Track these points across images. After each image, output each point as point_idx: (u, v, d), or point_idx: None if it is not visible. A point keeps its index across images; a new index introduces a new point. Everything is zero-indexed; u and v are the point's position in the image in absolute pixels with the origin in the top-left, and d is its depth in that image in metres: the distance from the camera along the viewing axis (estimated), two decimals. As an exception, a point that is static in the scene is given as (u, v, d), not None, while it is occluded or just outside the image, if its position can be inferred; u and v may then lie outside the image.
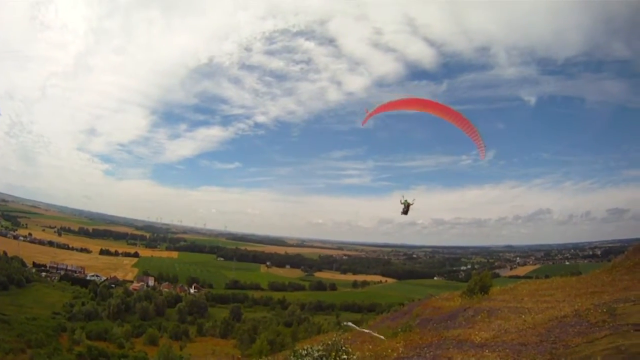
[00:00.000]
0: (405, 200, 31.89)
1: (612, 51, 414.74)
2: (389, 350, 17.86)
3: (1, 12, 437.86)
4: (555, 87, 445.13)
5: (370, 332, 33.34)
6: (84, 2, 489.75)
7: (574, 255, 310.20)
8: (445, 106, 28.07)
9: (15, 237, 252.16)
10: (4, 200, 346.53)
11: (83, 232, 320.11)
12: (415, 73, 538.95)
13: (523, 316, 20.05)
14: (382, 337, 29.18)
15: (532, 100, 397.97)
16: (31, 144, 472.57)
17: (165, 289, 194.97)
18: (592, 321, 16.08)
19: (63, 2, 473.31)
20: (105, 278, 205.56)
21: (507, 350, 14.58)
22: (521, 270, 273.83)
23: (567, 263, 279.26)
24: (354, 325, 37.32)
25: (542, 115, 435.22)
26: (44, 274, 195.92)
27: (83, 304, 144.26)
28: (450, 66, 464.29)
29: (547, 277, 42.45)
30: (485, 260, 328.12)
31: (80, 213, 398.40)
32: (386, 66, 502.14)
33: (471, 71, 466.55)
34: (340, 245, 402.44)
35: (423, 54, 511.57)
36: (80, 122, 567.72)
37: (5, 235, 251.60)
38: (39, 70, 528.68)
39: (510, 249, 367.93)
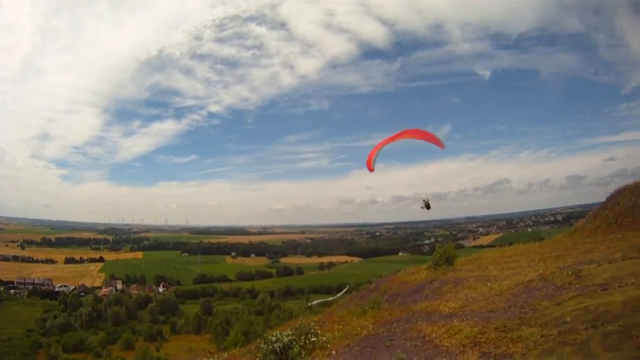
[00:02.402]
0: (426, 200, 32.96)
1: (565, 26, 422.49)
2: (359, 328, 17.86)
3: None
4: (509, 61, 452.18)
5: (327, 299, 33.78)
6: (29, 0, 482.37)
7: (536, 222, 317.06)
8: (431, 134, 28.36)
9: None
10: None
11: (46, 243, 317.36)
12: (369, 52, 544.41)
13: (489, 284, 20.44)
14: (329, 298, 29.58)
15: (487, 74, 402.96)
16: None
17: (134, 291, 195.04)
18: (558, 284, 16.33)
19: (7, 1, 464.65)
20: (73, 287, 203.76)
21: (476, 318, 14.76)
22: (484, 240, 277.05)
23: (529, 230, 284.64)
24: (318, 301, 37.68)
25: (497, 88, 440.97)
26: (12, 291, 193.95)
27: (55, 317, 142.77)
28: (404, 44, 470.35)
29: (510, 244, 42.79)
30: (448, 233, 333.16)
31: (41, 223, 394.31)
32: (339, 47, 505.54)
33: (425, 48, 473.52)
34: (303, 229, 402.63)
35: (376, 34, 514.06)
36: (33, 127, 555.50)
37: None
38: None
39: (471, 219, 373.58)
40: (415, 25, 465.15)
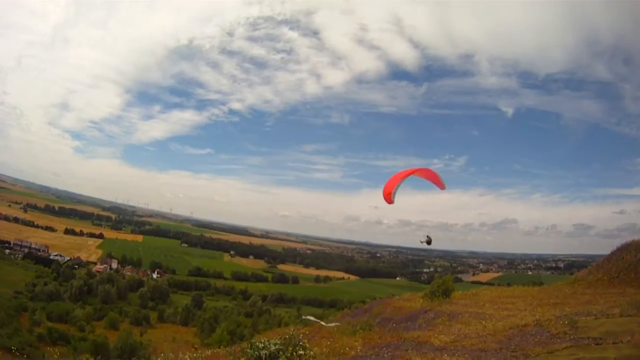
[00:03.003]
0: (428, 236, 33.25)
1: (593, 72, 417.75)
2: (347, 348, 17.71)
3: None
4: (533, 101, 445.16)
5: (320, 322, 33.43)
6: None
7: (537, 265, 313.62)
8: (436, 175, 28.75)
9: None
10: None
11: (49, 210, 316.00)
12: (396, 73, 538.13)
13: (484, 322, 20.18)
14: (322, 323, 29.23)
15: (510, 111, 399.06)
16: (2, 116, 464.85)
17: (128, 273, 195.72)
18: (553, 332, 16.15)
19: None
20: (68, 258, 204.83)
21: (467, 356, 14.55)
22: (483, 277, 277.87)
23: (529, 273, 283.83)
24: (314, 319, 37.30)
25: (518, 126, 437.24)
26: (7, 251, 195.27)
27: (45, 284, 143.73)
28: (432, 70, 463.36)
29: (509, 285, 42.73)
30: (449, 264, 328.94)
31: (47, 190, 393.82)
32: (368, 63, 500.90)
33: (452, 77, 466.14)
34: (305, 239, 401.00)
35: (406, 55, 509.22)
36: (54, 95, 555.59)
37: None
38: (16, 38, 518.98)
39: (474, 255, 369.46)
40: (446, 52, 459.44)
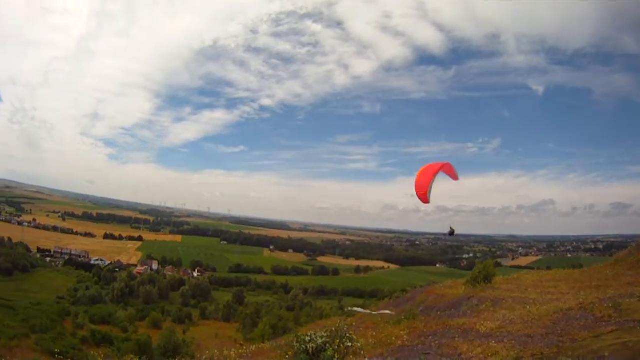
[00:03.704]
0: (451, 227, 33.11)
1: (621, 45, 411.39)
2: (393, 338, 17.61)
3: None
4: (563, 78, 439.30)
5: (369, 312, 33.31)
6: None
7: (576, 248, 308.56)
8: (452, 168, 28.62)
9: (20, 223, 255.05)
10: (7, 187, 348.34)
11: (87, 217, 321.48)
12: (424, 58, 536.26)
13: (528, 307, 19.79)
14: (370, 312, 29.11)
15: (540, 89, 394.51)
16: (34, 130, 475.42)
17: (169, 273, 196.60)
18: (598, 315, 15.89)
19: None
20: (109, 262, 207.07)
21: (513, 342, 14.32)
22: (523, 261, 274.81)
23: (569, 255, 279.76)
24: (361, 310, 37.24)
25: (549, 105, 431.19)
26: (48, 259, 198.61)
27: (87, 288, 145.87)
28: (459, 52, 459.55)
29: (548, 268, 41.98)
30: (488, 249, 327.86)
31: (84, 198, 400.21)
32: (394, 50, 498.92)
33: (480, 58, 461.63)
34: (344, 230, 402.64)
35: (432, 39, 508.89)
36: (84, 106, 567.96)
37: (9, 222, 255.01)
38: (40, 55, 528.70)
39: (513, 238, 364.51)
40: (471, 34, 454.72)
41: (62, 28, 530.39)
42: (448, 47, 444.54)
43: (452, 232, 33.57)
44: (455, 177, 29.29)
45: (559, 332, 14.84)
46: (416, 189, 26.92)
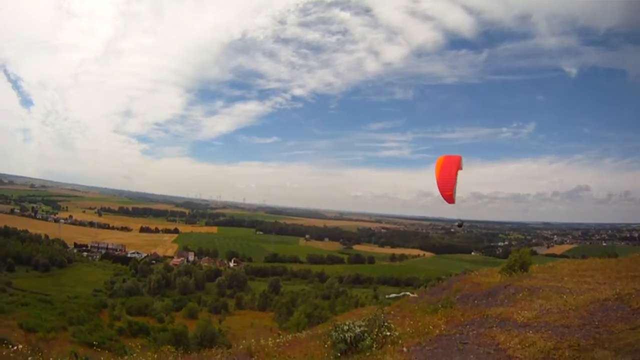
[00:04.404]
0: (460, 220, 33.24)
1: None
2: (430, 327, 17.42)
3: (26, 4, 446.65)
4: (596, 59, 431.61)
5: (407, 294, 33.26)
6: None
7: (611, 236, 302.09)
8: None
9: (56, 221, 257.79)
10: (43, 186, 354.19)
11: (123, 212, 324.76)
12: (454, 42, 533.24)
13: (564, 297, 19.66)
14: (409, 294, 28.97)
15: (573, 71, 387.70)
16: (67, 131, 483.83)
17: (205, 264, 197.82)
18: (635, 307, 15.77)
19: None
20: (145, 255, 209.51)
21: (550, 332, 14.26)
22: (558, 249, 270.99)
23: (604, 244, 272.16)
24: (398, 295, 37.27)
25: (583, 87, 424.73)
26: (85, 253, 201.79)
27: (124, 280, 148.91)
28: (490, 34, 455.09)
29: (583, 257, 41.43)
30: (523, 237, 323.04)
31: (120, 193, 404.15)
32: (424, 35, 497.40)
33: (511, 40, 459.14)
34: (379, 218, 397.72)
35: (462, 22, 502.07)
36: (115, 104, 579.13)
37: (46, 220, 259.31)
38: (69, 58, 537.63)
39: (548, 226, 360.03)
40: (501, 15, 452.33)
41: (89, 30, 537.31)
42: (478, 30, 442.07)
43: (460, 224, 33.64)
44: (460, 168, 28.95)
45: (596, 323, 14.74)
46: (440, 189, 26.67)
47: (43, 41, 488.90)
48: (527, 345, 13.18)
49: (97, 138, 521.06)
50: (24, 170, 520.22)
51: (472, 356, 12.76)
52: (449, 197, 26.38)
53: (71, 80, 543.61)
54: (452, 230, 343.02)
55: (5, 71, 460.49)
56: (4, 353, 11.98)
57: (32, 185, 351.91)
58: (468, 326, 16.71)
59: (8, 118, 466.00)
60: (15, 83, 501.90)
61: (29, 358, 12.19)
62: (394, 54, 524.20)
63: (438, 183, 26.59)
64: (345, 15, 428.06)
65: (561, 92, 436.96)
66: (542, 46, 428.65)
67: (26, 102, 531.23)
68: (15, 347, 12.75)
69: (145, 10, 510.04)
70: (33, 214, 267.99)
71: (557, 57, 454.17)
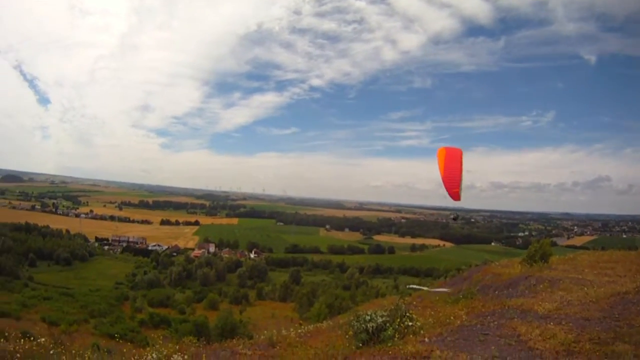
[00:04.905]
0: (455, 213, 32.99)
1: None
2: (452, 317, 17.48)
3: (39, 5, 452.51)
4: (616, 45, 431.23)
5: (438, 290, 33.16)
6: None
7: (632, 228, 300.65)
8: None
9: (77, 215, 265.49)
10: (63, 182, 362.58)
11: (143, 205, 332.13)
12: (472, 29, 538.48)
13: (585, 289, 19.64)
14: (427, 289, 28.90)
15: (592, 58, 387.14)
16: (86, 127, 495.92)
17: (226, 255, 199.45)
18: (656, 301, 15.64)
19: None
20: (166, 247, 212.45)
21: (571, 324, 14.27)
22: (578, 240, 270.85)
23: (624, 236, 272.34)
24: (418, 287, 37.28)
25: (603, 75, 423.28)
26: (106, 247, 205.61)
27: (145, 273, 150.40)
28: (508, 21, 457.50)
29: (603, 249, 41.16)
30: (543, 228, 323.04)
31: (140, 187, 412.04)
32: (441, 22, 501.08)
33: (529, 27, 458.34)
34: (399, 208, 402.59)
35: (479, 9, 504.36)
36: (133, 100, 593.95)
37: (67, 215, 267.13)
38: (85, 55, 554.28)
39: (568, 216, 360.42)
40: (518, 2, 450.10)
41: (103, 28, 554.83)
42: (495, 17, 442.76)
43: (455, 217, 33.56)
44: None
45: (616, 316, 14.78)
46: (446, 185, 26.30)
47: (58, 40, 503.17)
48: (548, 337, 13.23)
49: (115, 133, 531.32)
50: (44, 167, 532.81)
51: (493, 347, 12.82)
52: (456, 194, 26.02)
53: (88, 77, 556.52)
54: (472, 220, 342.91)
55: (21, 71, 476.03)
56: (27, 347, 12.19)
57: (52, 182, 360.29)
58: (489, 317, 16.75)
59: (26, 117, 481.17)
60: (31, 82, 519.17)
61: (52, 351, 12.39)
62: (411, 42, 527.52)
63: (444, 179, 26.11)
64: (360, 3, 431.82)
65: (581, 80, 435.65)
66: (560, 33, 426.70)
67: (43, 100, 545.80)
68: (37, 341, 12.98)
69: (159, 5, 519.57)
70: (54, 210, 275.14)
71: (575, 43, 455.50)
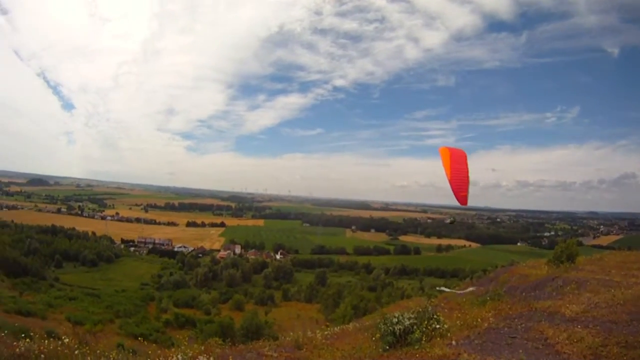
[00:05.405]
0: (452, 217, 33.00)
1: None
2: (479, 320, 17.30)
3: (60, 13, 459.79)
4: (638, 37, 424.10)
5: (465, 291, 33.02)
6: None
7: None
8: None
9: (103, 218, 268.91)
10: (89, 185, 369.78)
11: (169, 207, 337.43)
12: (493, 24, 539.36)
13: (612, 290, 19.44)
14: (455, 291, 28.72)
15: (615, 51, 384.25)
16: (110, 131, 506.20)
17: (252, 256, 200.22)
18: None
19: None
20: (192, 248, 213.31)
21: (598, 328, 14.19)
22: (604, 240, 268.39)
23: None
24: (446, 289, 37.16)
25: (626, 68, 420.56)
26: (132, 248, 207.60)
27: (171, 274, 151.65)
28: (529, 16, 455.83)
29: (629, 248, 40.73)
30: (569, 227, 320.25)
31: (165, 189, 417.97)
32: (463, 19, 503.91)
33: (551, 20, 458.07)
34: (425, 208, 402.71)
35: (500, 3, 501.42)
36: (158, 104, 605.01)
37: (92, 217, 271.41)
38: (108, 61, 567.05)
39: (594, 215, 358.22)
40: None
41: (125, 34, 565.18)
42: (516, 11, 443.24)
43: (452, 221, 33.41)
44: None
45: (644, 319, 14.54)
46: (454, 188, 25.73)
47: (80, 47, 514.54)
48: (575, 340, 13.21)
49: (140, 137, 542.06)
50: (69, 171, 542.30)
51: (520, 351, 12.84)
52: (464, 198, 25.46)
53: (111, 83, 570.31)
54: (498, 220, 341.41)
55: (44, 78, 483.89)
56: (51, 347, 12.31)
57: (77, 185, 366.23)
58: (516, 319, 16.67)
59: (50, 122, 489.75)
60: (55, 89, 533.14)
61: (76, 352, 12.51)
62: (433, 39, 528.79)
63: (451, 181, 25.19)
64: (381, 2, 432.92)
65: (604, 74, 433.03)
66: (581, 25, 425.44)
67: (68, 106, 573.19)
68: (61, 341, 13.11)
69: (180, 10, 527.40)
70: (80, 212, 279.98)
71: (597, 36, 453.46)
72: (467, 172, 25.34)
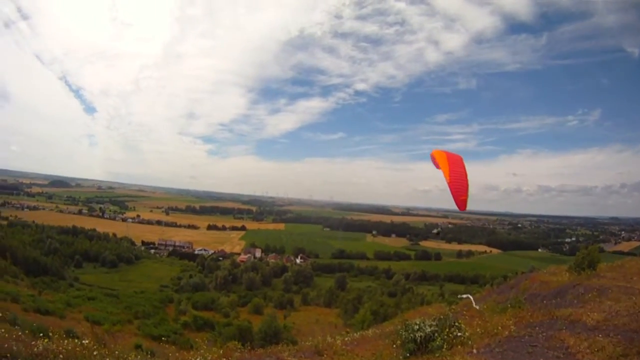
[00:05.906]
0: (439, 227, 32.61)
1: None
2: (499, 327, 17.23)
3: (82, 18, 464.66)
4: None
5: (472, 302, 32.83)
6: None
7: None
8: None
9: (124, 220, 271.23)
10: (110, 188, 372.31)
11: (190, 210, 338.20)
12: (514, 26, 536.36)
13: (634, 298, 19.18)
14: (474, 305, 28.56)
15: (636, 51, 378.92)
16: (132, 134, 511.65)
17: (272, 260, 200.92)
18: None
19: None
20: (212, 252, 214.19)
21: (619, 337, 14.02)
22: (625, 246, 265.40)
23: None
24: (467, 296, 36.89)
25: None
26: (152, 250, 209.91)
27: (190, 276, 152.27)
28: (549, 16, 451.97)
29: (649, 255, 40.36)
30: (590, 233, 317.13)
31: (187, 193, 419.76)
32: (483, 21, 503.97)
33: (571, 21, 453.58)
34: (445, 213, 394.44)
35: (519, 4, 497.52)
36: (179, 107, 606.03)
37: (113, 219, 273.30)
38: (129, 65, 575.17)
39: (616, 221, 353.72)
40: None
41: (146, 38, 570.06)
42: (536, 12, 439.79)
43: (438, 232, 32.90)
44: None
45: (665, 328, 14.38)
46: (453, 191, 25.40)
47: (101, 52, 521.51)
48: (596, 349, 13.15)
49: (162, 140, 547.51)
50: (91, 173, 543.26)
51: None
52: (463, 203, 25.12)
53: (133, 87, 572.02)
54: (519, 225, 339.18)
55: (66, 82, 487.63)
56: (69, 347, 12.37)
57: (99, 187, 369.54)
58: (537, 327, 16.60)
59: (72, 125, 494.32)
60: (77, 92, 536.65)
61: (95, 352, 12.56)
62: (453, 42, 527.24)
63: (450, 184, 24.80)
64: (401, 5, 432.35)
65: (625, 75, 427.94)
66: (601, 25, 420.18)
67: (89, 109, 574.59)
68: (81, 342, 13.15)
69: (200, 14, 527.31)
70: (101, 214, 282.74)
71: (618, 36, 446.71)
72: (466, 175, 25.13)
